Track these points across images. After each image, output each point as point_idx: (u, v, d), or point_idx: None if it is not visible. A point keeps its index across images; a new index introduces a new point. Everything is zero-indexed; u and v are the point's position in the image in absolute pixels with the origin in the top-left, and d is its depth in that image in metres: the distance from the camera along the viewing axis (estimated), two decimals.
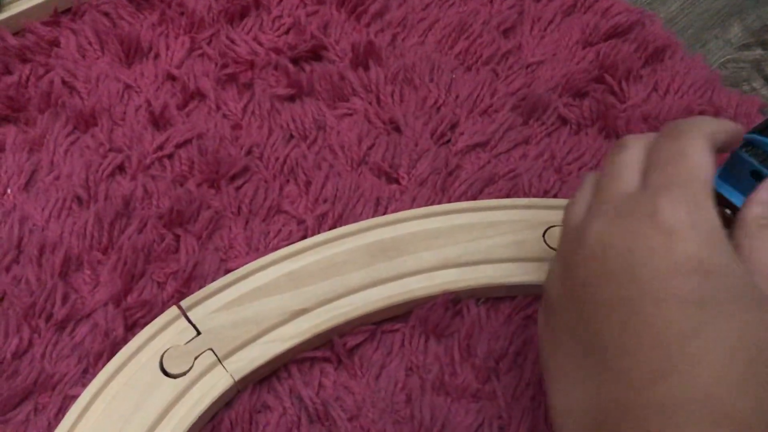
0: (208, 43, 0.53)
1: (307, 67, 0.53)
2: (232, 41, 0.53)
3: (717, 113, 0.50)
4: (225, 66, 0.52)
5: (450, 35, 0.54)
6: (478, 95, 0.51)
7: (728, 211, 0.38)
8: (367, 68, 0.52)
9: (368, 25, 0.55)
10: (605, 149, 0.49)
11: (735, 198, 0.37)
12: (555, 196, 0.47)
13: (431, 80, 0.52)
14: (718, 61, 0.54)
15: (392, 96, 0.51)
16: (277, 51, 0.53)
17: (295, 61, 0.53)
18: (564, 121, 0.50)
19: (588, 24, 0.55)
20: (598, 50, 0.53)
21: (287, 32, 0.54)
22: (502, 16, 0.55)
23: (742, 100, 0.51)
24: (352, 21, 0.55)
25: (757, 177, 0.37)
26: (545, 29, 0.55)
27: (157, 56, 0.53)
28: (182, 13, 0.55)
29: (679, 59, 0.53)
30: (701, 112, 0.50)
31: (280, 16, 0.55)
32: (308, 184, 0.47)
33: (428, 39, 0.55)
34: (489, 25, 0.55)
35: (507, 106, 0.51)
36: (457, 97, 0.51)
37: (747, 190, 0.36)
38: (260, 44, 0.53)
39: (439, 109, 0.51)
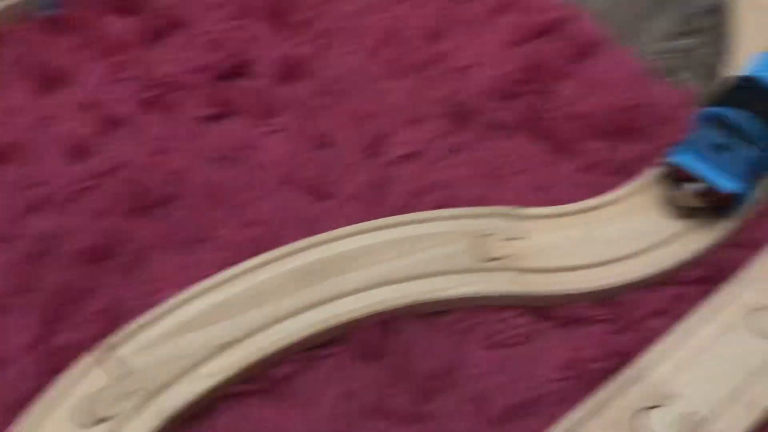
0: (128, 67, 0.52)
1: (232, 85, 0.51)
2: (153, 63, 0.51)
3: (647, 107, 0.49)
4: (146, 89, 0.50)
5: (378, 43, 0.53)
6: (408, 104, 0.50)
7: (690, 185, 0.40)
8: (294, 82, 0.51)
9: (294, 36, 0.54)
10: (537, 152, 0.48)
11: (708, 173, 0.39)
12: (489, 202, 0.46)
13: (361, 91, 0.51)
14: (647, 53, 0.54)
15: (322, 109, 0.50)
16: (200, 70, 0.51)
17: (219, 79, 0.51)
18: (495, 125, 0.49)
19: (515, 23, 0.54)
20: (527, 50, 0.52)
21: (210, 50, 0.53)
22: (429, 21, 0.54)
23: (672, 92, 0.50)
24: (278, 33, 0.54)
25: (721, 149, 0.39)
26: (473, 31, 0.54)
27: (74, 83, 0.51)
28: (100, 37, 0.53)
29: (609, 54, 0.52)
30: (631, 107, 0.49)
31: (202, 33, 0.53)
32: (236, 207, 0.45)
33: (356, 48, 0.53)
34: (417, 31, 0.54)
35: (438, 114, 0.50)
36: (387, 106, 0.50)
37: (714, 165, 0.39)
38: (182, 64, 0.51)
39: (370, 120, 0.50)
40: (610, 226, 0.43)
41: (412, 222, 0.43)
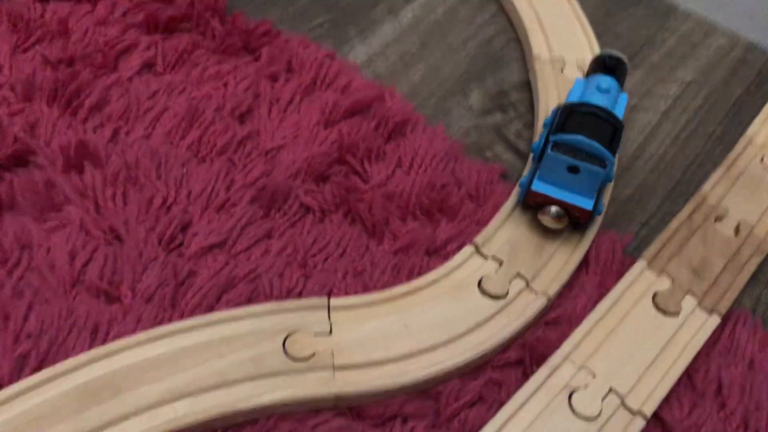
0: None
1: (9, 176, 0.45)
2: None
3: (460, 185, 0.49)
4: None
5: (180, 125, 0.50)
6: (212, 189, 0.47)
7: (555, 209, 0.44)
8: (82, 171, 0.46)
9: (85, 120, 0.49)
10: (351, 236, 0.46)
11: (567, 197, 0.44)
12: (300, 294, 0.43)
13: (158, 177, 0.47)
14: (460, 129, 0.54)
15: (113, 200, 0.45)
16: None
17: None
18: (307, 209, 0.47)
19: (328, 102, 0.52)
20: (339, 130, 0.51)
21: None
22: (236, 100, 0.52)
23: (484, 168, 0.50)
24: (67, 117, 0.49)
25: (574, 170, 0.43)
26: (284, 111, 0.52)
27: None
28: None
29: (422, 132, 0.52)
30: (444, 186, 0.48)
31: None
32: (6, 319, 0.39)
33: (156, 131, 0.49)
34: (223, 110, 0.51)
35: (245, 199, 0.47)
36: (189, 193, 0.46)
37: (570, 186, 0.43)
38: None
39: (168, 209, 0.45)
40: (425, 312, 0.41)
41: (212, 323, 0.39)
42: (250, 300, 0.42)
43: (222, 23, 0.56)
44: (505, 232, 0.46)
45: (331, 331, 0.40)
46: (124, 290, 0.41)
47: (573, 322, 0.43)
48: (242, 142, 0.50)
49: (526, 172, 0.49)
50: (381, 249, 0.45)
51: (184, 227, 0.45)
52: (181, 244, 0.44)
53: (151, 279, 0.42)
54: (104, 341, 0.39)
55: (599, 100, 0.45)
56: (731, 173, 0.51)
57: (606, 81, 0.46)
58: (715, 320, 0.43)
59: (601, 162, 0.42)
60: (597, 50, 0.58)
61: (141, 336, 0.38)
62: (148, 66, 0.53)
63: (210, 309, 0.41)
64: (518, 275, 0.43)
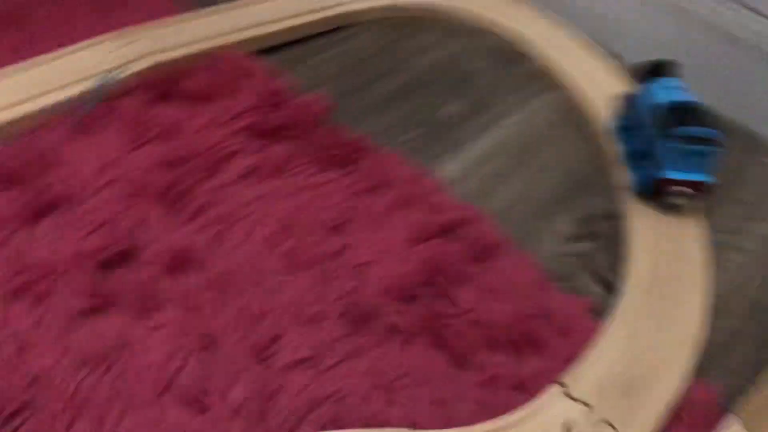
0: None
1: (115, 273, 0.47)
2: (28, 245, 0.47)
3: (548, 317, 0.49)
4: (17, 274, 0.46)
5: (277, 233, 0.51)
6: (304, 301, 0.48)
7: (677, 188, 0.54)
8: (182, 274, 0.48)
9: (188, 222, 0.51)
10: (436, 363, 0.46)
11: (692, 176, 0.54)
12: (383, 423, 0.43)
13: (253, 286, 0.48)
14: (549, 255, 0.54)
15: (211, 305, 0.47)
16: (82, 255, 0.48)
17: (100, 266, 0.47)
18: (393, 329, 0.47)
19: (416, 221, 0.53)
20: (429, 249, 0.52)
21: (95, 231, 0.49)
22: (331, 212, 0.53)
23: (573, 302, 0.50)
24: (172, 218, 0.51)
25: (695, 154, 0.53)
26: (374, 226, 0.53)
27: None
28: None
29: (510, 257, 0.52)
30: (532, 317, 0.48)
31: (90, 212, 0.50)
32: (101, 420, 0.40)
33: (253, 237, 0.51)
34: (318, 221, 0.53)
35: (335, 313, 0.47)
36: (281, 304, 0.47)
37: (692, 167, 0.53)
38: (60, 248, 0.48)
39: (261, 318, 0.47)
40: None
41: None
42: (334, 421, 0.42)
43: (322, 133, 0.59)
44: (594, 372, 0.45)
45: None
46: (212, 400, 0.42)
47: None
48: (335, 254, 0.51)
49: (626, 171, 0.58)
50: (466, 379, 0.45)
51: (275, 338, 0.46)
52: (270, 356, 0.45)
53: (240, 390, 0.43)
54: None
55: (682, 95, 0.55)
56: None
57: (673, 80, 0.57)
58: None
59: (718, 143, 0.52)
60: None
61: None
62: (250, 171, 0.55)
63: (295, 427, 0.42)
64: (606, 422, 0.43)
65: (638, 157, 0.57)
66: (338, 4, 0.71)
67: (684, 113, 0.54)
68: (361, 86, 0.66)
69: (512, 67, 0.70)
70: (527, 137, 0.64)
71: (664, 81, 0.58)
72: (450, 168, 0.60)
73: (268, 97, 0.60)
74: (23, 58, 0.59)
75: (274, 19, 0.67)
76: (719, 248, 0.56)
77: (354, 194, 0.55)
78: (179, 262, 0.48)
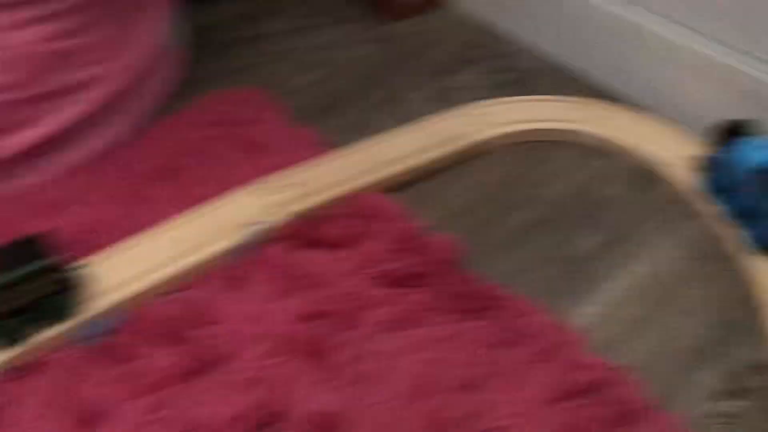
0: (165, 405, 0.52)
1: None
2: (188, 404, 0.51)
3: None
4: None
5: (418, 391, 0.53)
6: None
7: None
8: None
9: (333, 378, 0.53)
10: None
11: None
12: None
13: None
14: (692, 416, 0.52)
15: None
16: (238, 417, 0.51)
17: (257, 427, 0.50)
18: None
19: (555, 379, 0.53)
20: (565, 410, 0.51)
21: (250, 391, 0.52)
22: (466, 368, 0.54)
23: None
24: (316, 373, 0.54)
25: None
26: (511, 384, 0.53)
27: (111, 420, 0.51)
28: (140, 370, 0.53)
29: (655, 421, 0.51)
30: None
31: (242, 371, 0.53)
32: None
33: (393, 396, 0.53)
34: (453, 380, 0.53)
35: None
36: None
37: None
38: (220, 409, 0.51)
39: None
40: None
41: None
42: None
43: (456, 280, 0.60)
44: None
45: None
46: None
47: None
48: (471, 416, 0.51)
49: (742, 233, 0.60)
50: None
51: None
52: None
53: None
54: None
55: None
56: None
57: (759, 140, 0.60)
58: None
59: None
60: None
61: None
62: (388, 323, 0.57)
63: None
64: None
65: (747, 215, 0.59)
66: (469, 134, 0.73)
67: None
68: (491, 221, 0.67)
69: (650, 192, 0.69)
70: (667, 274, 0.62)
71: (753, 141, 0.60)
72: (587, 312, 0.59)
73: (403, 241, 0.62)
74: (178, 208, 0.64)
75: (413, 152, 0.70)
76: None
77: (491, 347, 0.55)
78: (328, 425, 0.50)
